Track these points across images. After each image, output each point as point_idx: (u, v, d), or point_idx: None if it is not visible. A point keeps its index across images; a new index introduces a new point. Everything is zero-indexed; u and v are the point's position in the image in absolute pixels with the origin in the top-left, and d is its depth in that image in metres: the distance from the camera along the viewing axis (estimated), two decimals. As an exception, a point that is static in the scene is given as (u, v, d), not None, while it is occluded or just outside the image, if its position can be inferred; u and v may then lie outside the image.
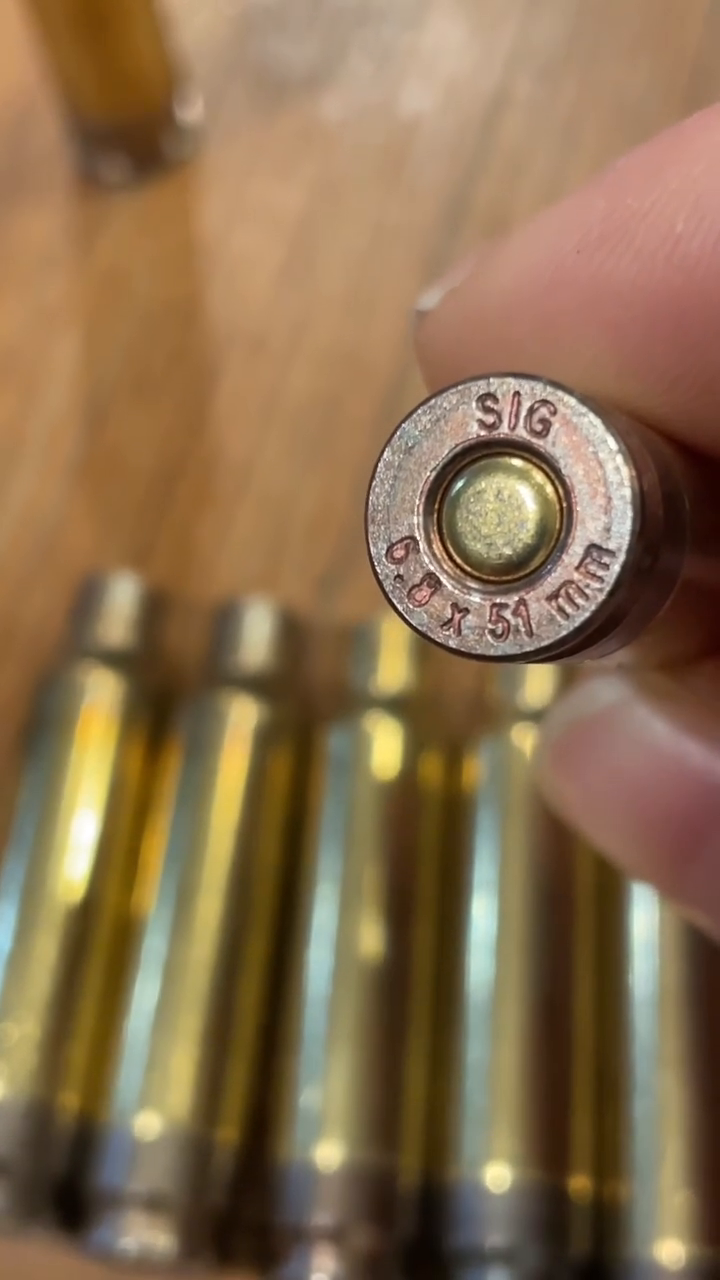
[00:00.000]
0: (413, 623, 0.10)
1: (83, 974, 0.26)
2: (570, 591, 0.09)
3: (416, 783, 0.28)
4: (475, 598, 0.10)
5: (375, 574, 0.10)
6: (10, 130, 0.38)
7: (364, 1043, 0.25)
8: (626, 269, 0.10)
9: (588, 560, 0.09)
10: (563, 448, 0.09)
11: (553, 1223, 0.24)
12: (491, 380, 0.10)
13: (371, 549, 0.10)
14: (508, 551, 0.10)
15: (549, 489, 0.10)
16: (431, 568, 0.10)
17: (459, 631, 0.10)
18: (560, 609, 0.09)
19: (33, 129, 0.38)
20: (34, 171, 0.38)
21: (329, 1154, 0.24)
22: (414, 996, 0.26)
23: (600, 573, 0.09)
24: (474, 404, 0.10)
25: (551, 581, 0.09)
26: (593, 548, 0.09)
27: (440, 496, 0.10)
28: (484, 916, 0.26)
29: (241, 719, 0.28)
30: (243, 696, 0.28)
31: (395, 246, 0.36)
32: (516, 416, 0.10)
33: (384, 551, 0.10)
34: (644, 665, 0.12)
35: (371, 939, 0.26)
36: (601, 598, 0.09)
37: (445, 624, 0.10)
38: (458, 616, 0.10)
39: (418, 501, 0.10)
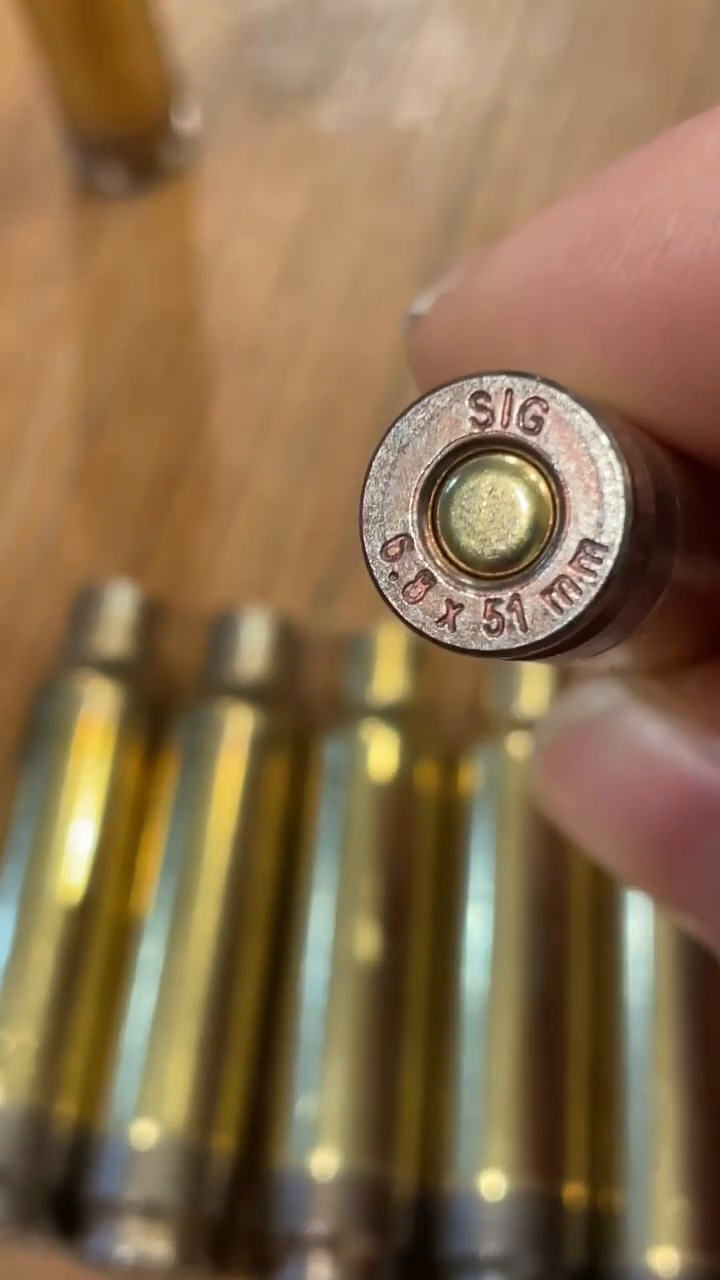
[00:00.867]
0: (408, 619, 0.10)
1: (80, 982, 0.27)
2: (564, 586, 0.09)
3: (412, 792, 0.28)
4: (469, 594, 0.10)
5: (370, 571, 0.10)
6: (9, 140, 0.39)
7: (360, 1051, 0.25)
8: (617, 273, 0.11)
9: (581, 555, 0.09)
10: (555, 444, 0.10)
11: (547, 1231, 0.24)
12: (484, 378, 0.10)
13: (366, 547, 0.10)
14: (501, 547, 0.10)
15: (542, 486, 0.10)
16: (426, 564, 0.10)
17: (454, 627, 0.10)
18: (554, 604, 0.09)
19: (31, 139, 0.38)
20: (32, 181, 0.38)
21: (325, 1162, 0.24)
22: (409, 1005, 0.26)
23: (593, 567, 0.09)
24: (467, 402, 0.10)
25: (545, 576, 0.09)
26: (586, 543, 0.09)
27: (434, 494, 0.10)
28: (479, 925, 0.26)
29: (238, 728, 0.28)
30: (239, 705, 0.28)
31: (392, 256, 0.36)
32: (509, 414, 0.10)
33: (379, 549, 0.10)
34: (635, 669, 0.13)
35: (367, 947, 0.26)
36: (595, 592, 0.09)
37: (440, 620, 0.10)
38: (452, 613, 0.10)
39: (412, 499, 0.10)
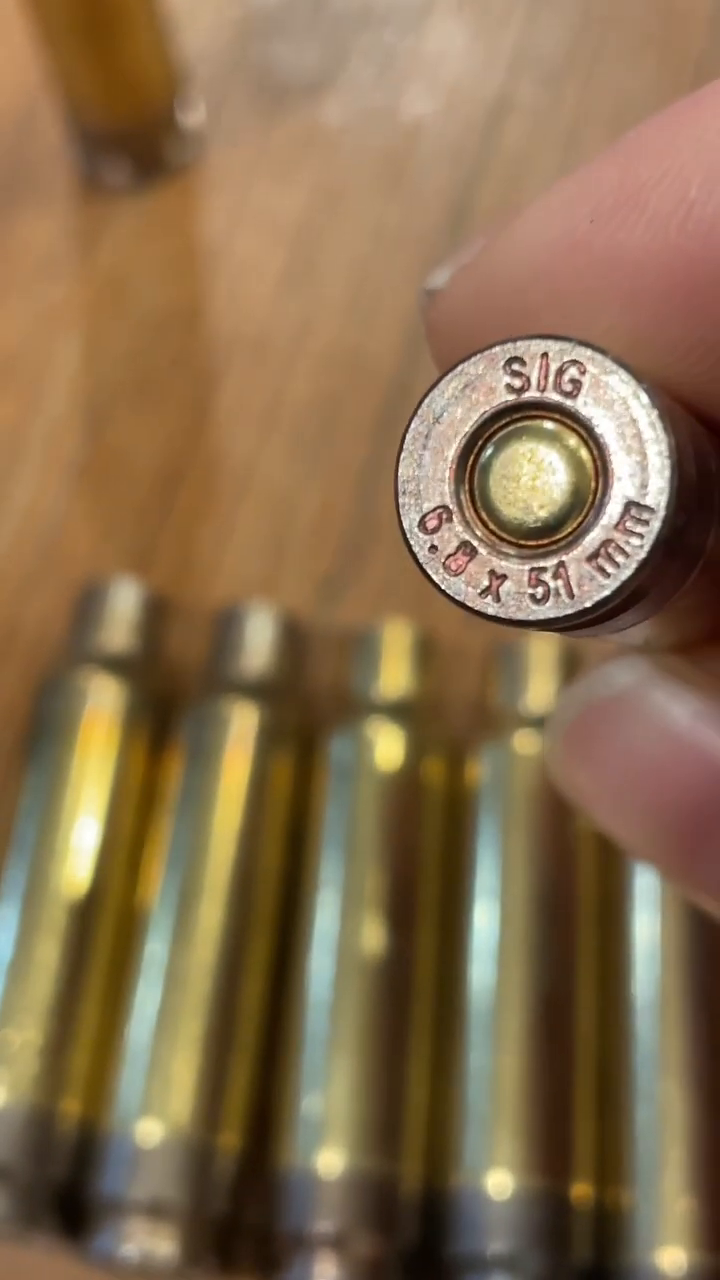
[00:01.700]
0: (449, 592, 0.10)
1: (84, 979, 0.26)
2: (610, 550, 0.09)
3: (418, 788, 0.28)
4: (512, 563, 0.10)
5: (408, 546, 0.10)
6: (12, 134, 0.38)
7: (366, 1049, 0.25)
8: (640, 237, 0.10)
9: (626, 518, 0.09)
10: (595, 406, 0.09)
11: (554, 1229, 0.24)
12: (519, 343, 0.10)
13: (403, 521, 0.10)
14: (544, 515, 0.10)
15: (582, 450, 0.09)
16: (466, 536, 0.10)
17: (498, 598, 0.10)
18: (600, 569, 0.09)
19: (35, 133, 0.38)
20: (36, 175, 0.38)
21: (331, 1160, 0.24)
22: (416, 1002, 0.26)
23: (640, 529, 0.09)
24: (502, 368, 0.10)
25: (590, 542, 0.09)
26: (631, 505, 0.09)
27: (471, 464, 0.10)
28: (486, 922, 0.26)
29: (243, 724, 0.28)
30: (244, 702, 0.28)
31: (397, 251, 0.36)
32: (546, 378, 0.10)
33: (416, 523, 0.10)
34: (661, 645, 0.12)
35: (373, 944, 0.26)
36: (643, 554, 0.09)
37: (484, 591, 0.10)
38: (495, 583, 0.10)
39: (448, 470, 0.10)
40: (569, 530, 0.09)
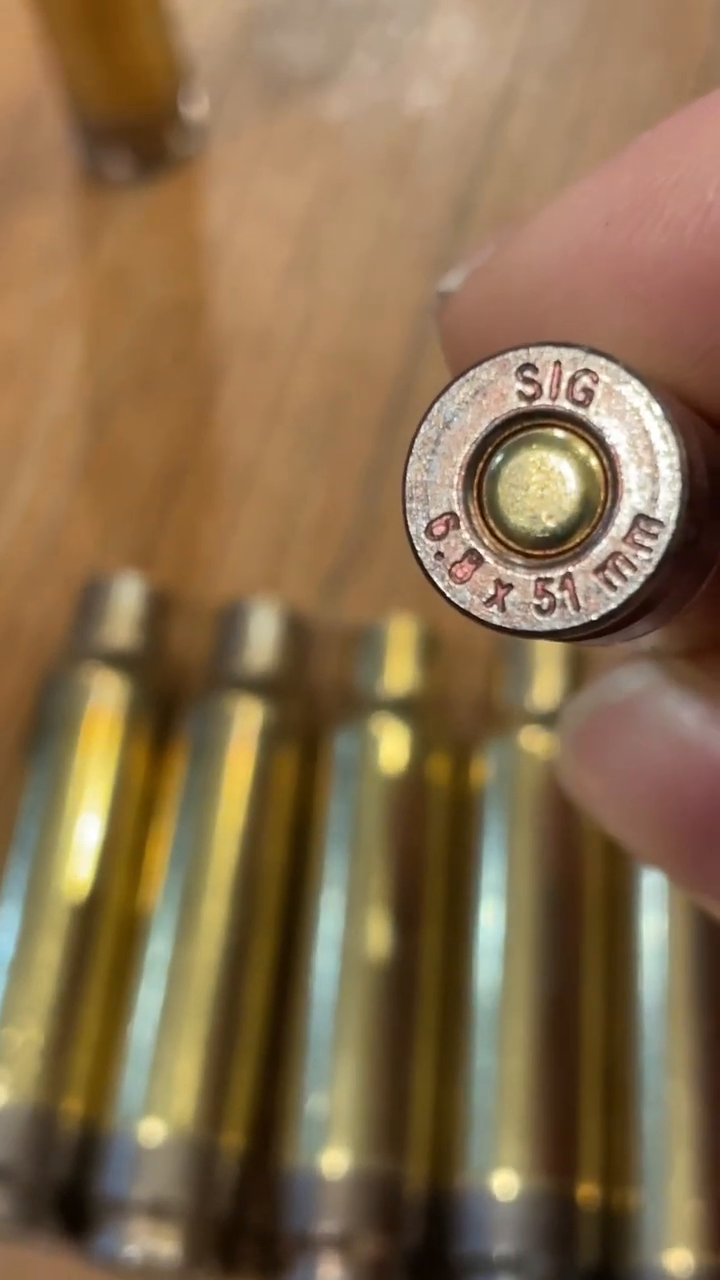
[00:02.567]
0: (455, 600, 0.10)
1: (87, 978, 0.26)
2: (617, 563, 0.09)
3: (423, 786, 0.27)
4: (519, 573, 0.09)
5: (414, 552, 0.10)
6: (14, 126, 0.38)
7: (371, 1048, 0.25)
8: (656, 241, 0.10)
9: (635, 531, 0.09)
10: (606, 416, 0.09)
11: (561, 1231, 0.24)
12: (530, 350, 0.10)
13: (410, 526, 0.10)
14: (552, 525, 0.09)
15: (592, 460, 0.09)
16: (473, 544, 0.10)
17: (503, 608, 0.09)
18: (607, 581, 0.09)
19: (37, 125, 0.38)
20: (38, 168, 0.37)
21: (335, 1161, 0.24)
22: (421, 1002, 0.26)
23: (648, 543, 0.09)
24: (514, 375, 0.10)
25: (598, 554, 0.09)
26: (640, 518, 0.09)
27: (480, 471, 0.10)
28: (492, 921, 0.26)
29: (246, 721, 0.28)
30: (248, 698, 0.28)
31: (401, 245, 0.36)
32: (558, 386, 0.09)
33: (423, 528, 0.10)
34: (671, 651, 0.12)
35: (378, 943, 0.26)
36: (650, 569, 0.09)
37: (489, 600, 0.09)
38: (501, 593, 0.09)
39: (457, 476, 0.10)
40: (577, 541, 0.09)
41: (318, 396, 0.34)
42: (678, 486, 0.09)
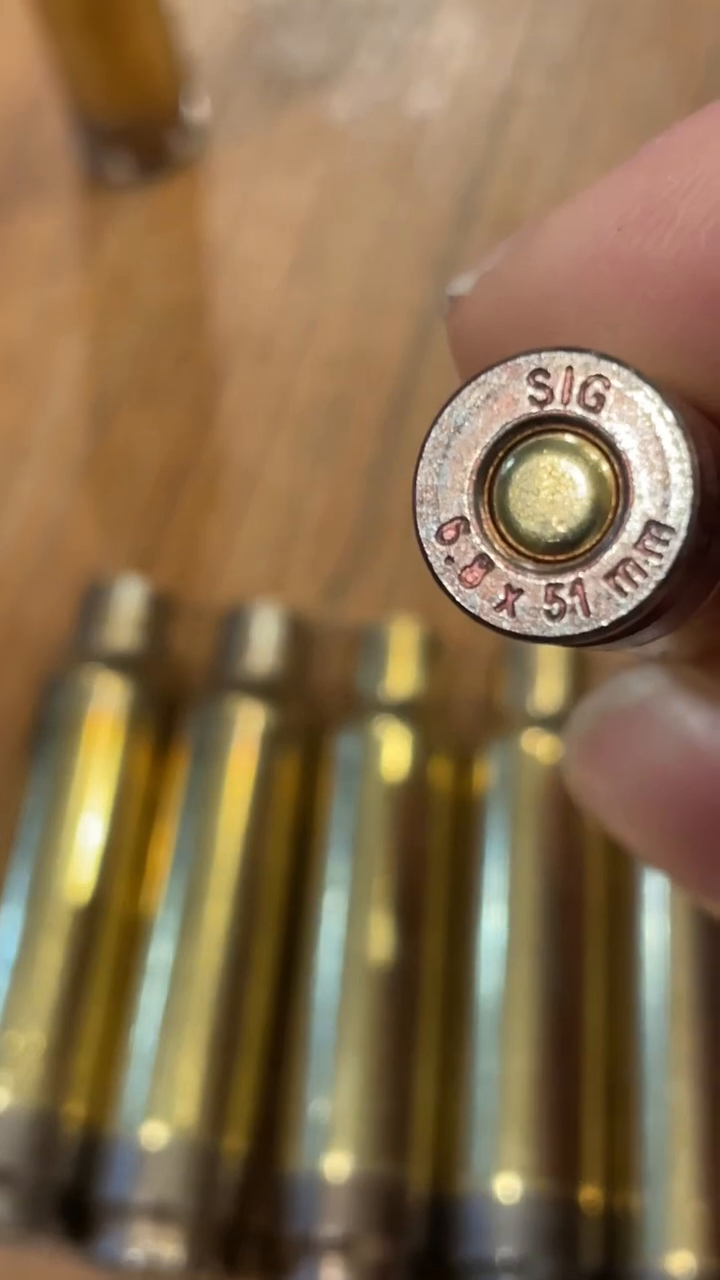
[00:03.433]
0: (465, 605, 0.10)
1: (89, 981, 0.26)
2: (628, 569, 0.09)
3: (426, 788, 0.27)
4: (529, 578, 0.09)
5: (425, 556, 0.10)
6: (16, 128, 0.38)
7: (373, 1051, 0.25)
8: (669, 246, 0.10)
9: (646, 537, 0.09)
10: (618, 422, 0.09)
11: (563, 1234, 0.24)
12: (543, 354, 0.10)
13: (420, 530, 0.10)
14: (563, 530, 0.09)
15: (604, 465, 0.09)
16: (483, 548, 0.10)
17: (513, 613, 0.09)
18: (618, 587, 0.09)
19: (39, 127, 0.38)
20: (40, 170, 0.37)
21: (337, 1164, 0.24)
22: (423, 1005, 0.26)
23: (659, 549, 0.09)
24: (525, 379, 0.10)
25: (609, 559, 0.09)
26: (651, 524, 0.09)
27: (491, 475, 0.10)
28: (494, 924, 0.26)
29: (249, 724, 0.28)
30: (250, 701, 0.28)
31: (404, 246, 0.35)
32: (570, 392, 0.09)
33: (434, 533, 0.10)
34: (679, 656, 0.12)
35: (380, 946, 0.26)
36: (661, 575, 0.09)
37: (499, 605, 0.09)
38: (511, 598, 0.09)
39: (468, 481, 0.10)
40: (588, 546, 0.09)
41: (320, 398, 0.34)
42: (689, 493, 0.09)
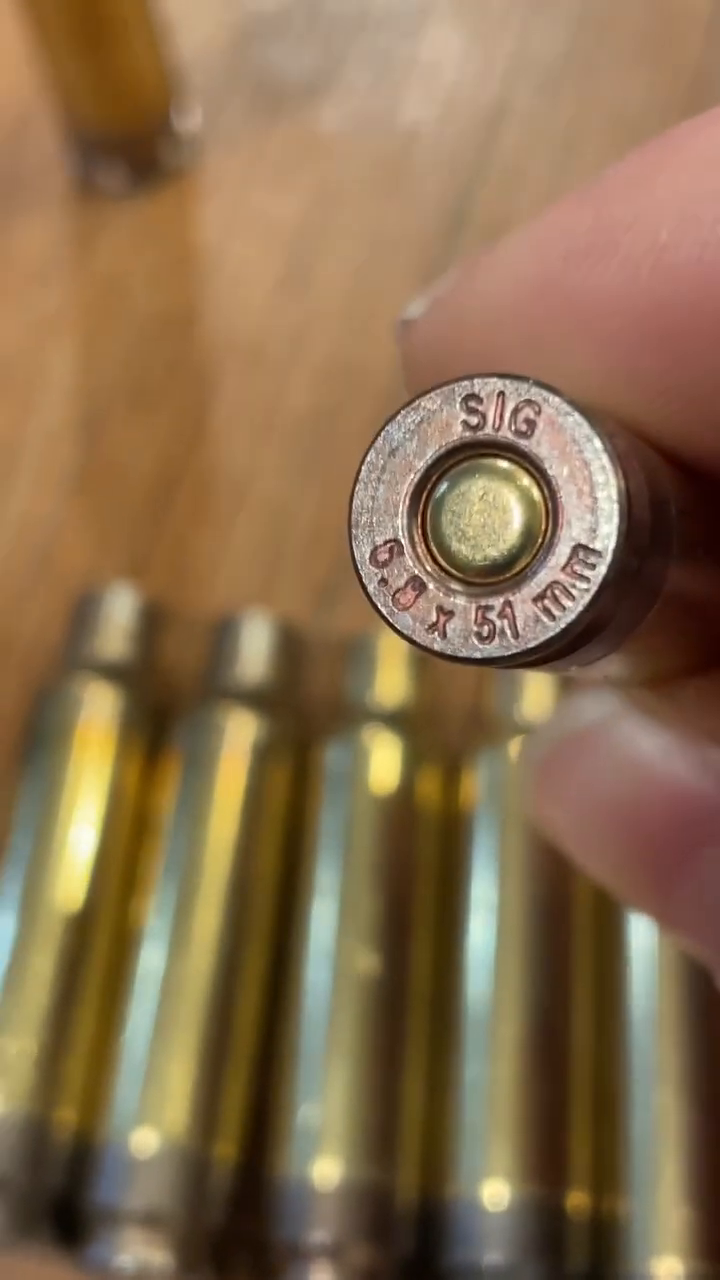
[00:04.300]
0: (397, 626, 0.10)
1: (80, 989, 0.26)
2: (556, 593, 0.09)
3: (414, 797, 0.28)
4: (460, 600, 0.10)
5: (359, 577, 0.10)
6: (8, 139, 0.38)
7: (362, 1059, 0.25)
8: (613, 278, 0.10)
9: (574, 561, 0.09)
10: (548, 448, 0.09)
11: (551, 1240, 0.24)
12: (475, 381, 0.10)
13: (355, 552, 0.10)
14: (493, 553, 0.10)
15: (534, 491, 0.09)
16: (416, 570, 0.10)
17: (444, 635, 0.10)
18: (546, 610, 0.09)
19: (30, 137, 0.38)
20: (31, 180, 0.38)
21: (326, 1171, 0.24)
22: (412, 1013, 0.26)
23: (586, 573, 0.09)
24: (458, 404, 0.10)
25: (537, 583, 0.09)
26: (579, 548, 0.09)
27: (425, 499, 0.10)
28: (482, 932, 0.26)
29: (239, 733, 0.28)
30: (240, 710, 0.28)
31: (394, 257, 0.36)
32: (501, 417, 0.10)
33: (368, 555, 0.10)
34: (630, 680, 0.12)
35: (369, 955, 0.26)
36: (588, 599, 0.09)
37: (430, 627, 0.10)
38: (442, 619, 0.10)
39: (402, 504, 0.10)
40: (517, 570, 0.09)
41: (311, 408, 0.34)
42: (615, 519, 0.09)
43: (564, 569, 0.09)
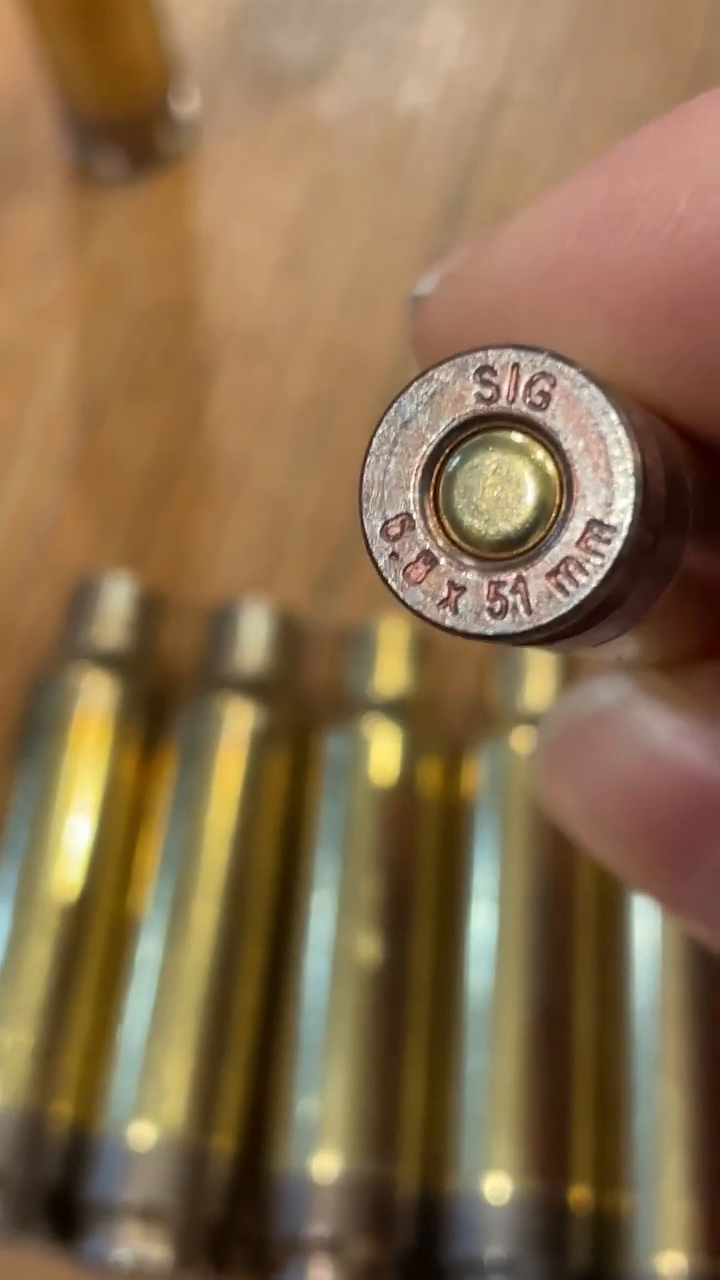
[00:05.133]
0: (407, 601, 0.10)
1: (77, 981, 0.26)
2: (570, 568, 0.09)
3: (415, 787, 0.27)
4: (472, 575, 0.09)
5: (369, 551, 0.10)
6: (4, 124, 0.38)
7: (362, 1051, 0.25)
8: (628, 250, 0.10)
9: (588, 536, 0.09)
10: (563, 421, 0.09)
11: (553, 1234, 0.24)
12: (490, 352, 0.09)
13: (365, 526, 0.10)
14: (506, 528, 0.09)
15: (548, 464, 0.09)
16: (427, 545, 0.10)
17: (455, 610, 0.09)
18: (560, 585, 0.09)
19: (27, 123, 0.38)
20: (28, 166, 0.37)
21: (326, 1164, 0.24)
22: (412, 1005, 0.26)
23: (601, 548, 0.09)
24: (472, 376, 0.10)
25: (551, 558, 0.09)
26: (593, 523, 0.09)
27: (437, 472, 0.10)
28: (483, 924, 0.26)
29: (238, 722, 0.28)
30: (239, 699, 0.28)
31: (394, 243, 0.35)
32: (515, 389, 0.09)
33: (378, 528, 0.10)
34: (643, 662, 0.12)
35: (369, 946, 0.26)
36: (602, 574, 0.09)
37: (441, 602, 0.09)
38: (454, 594, 0.09)
39: (414, 477, 0.10)
40: (531, 544, 0.09)
41: (310, 396, 0.34)
42: (632, 493, 0.09)
43: (578, 544, 0.09)
